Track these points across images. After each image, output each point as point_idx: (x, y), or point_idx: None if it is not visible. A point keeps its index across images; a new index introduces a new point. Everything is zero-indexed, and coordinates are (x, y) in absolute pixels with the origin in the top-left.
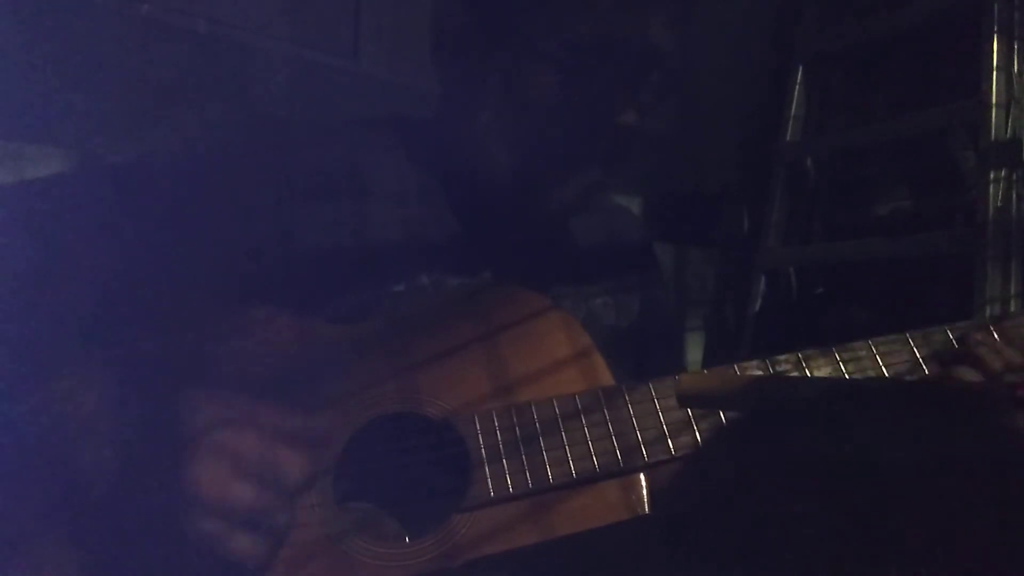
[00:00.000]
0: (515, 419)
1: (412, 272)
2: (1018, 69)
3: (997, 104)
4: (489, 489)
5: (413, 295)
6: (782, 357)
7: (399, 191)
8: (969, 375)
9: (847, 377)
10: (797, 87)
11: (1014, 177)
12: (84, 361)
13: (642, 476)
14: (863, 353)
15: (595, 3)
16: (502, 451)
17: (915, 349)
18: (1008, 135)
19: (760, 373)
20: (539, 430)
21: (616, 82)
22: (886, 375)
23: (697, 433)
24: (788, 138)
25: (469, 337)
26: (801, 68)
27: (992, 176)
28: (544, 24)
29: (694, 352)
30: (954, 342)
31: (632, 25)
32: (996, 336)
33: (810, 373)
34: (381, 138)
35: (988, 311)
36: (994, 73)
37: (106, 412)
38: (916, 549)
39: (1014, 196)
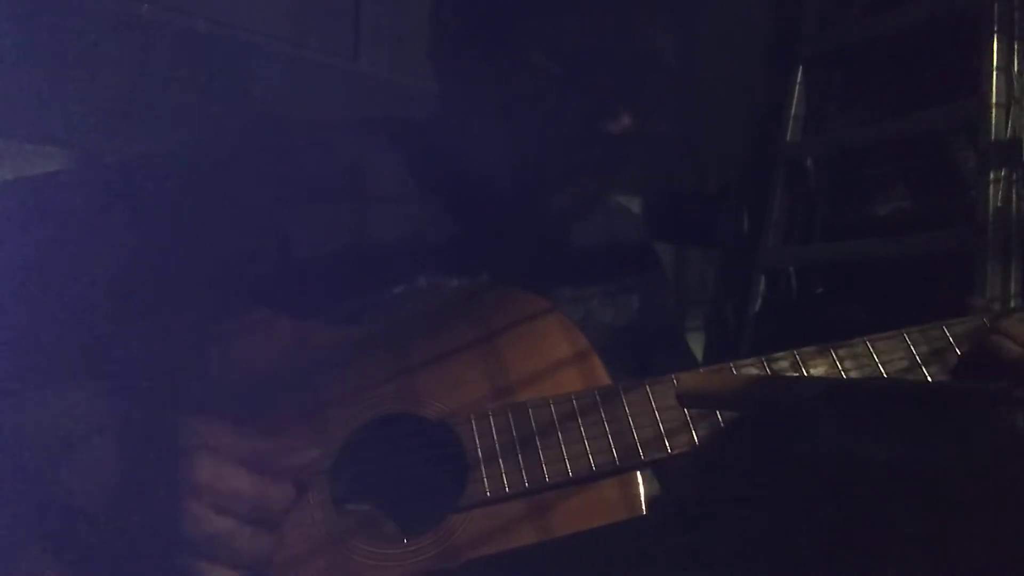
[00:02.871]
0: (512, 420)
1: (411, 273)
2: (1018, 69)
3: (997, 104)
4: (485, 489)
5: (411, 297)
6: (779, 355)
7: (398, 192)
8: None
9: (846, 377)
10: (797, 87)
11: (1014, 177)
12: (77, 367)
13: (639, 475)
14: (860, 350)
15: (588, 11)
16: (498, 451)
17: (911, 346)
18: (1008, 135)
19: (757, 372)
20: (536, 430)
21: (612, 89)
22: (883, 373)
23: (694, 433)
24: (788, 138)
25: (466, 339)
26: (801, 68)
27: (992, 176)
28: (536, 33)
29: (694, 352)
30: (952, 341)
31: (628, 32)
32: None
33: (807, 372)
34: (379, 139)
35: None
36: (994, 73)
37: (103, 419)
38: (915, 549)
39: (1014, 196)
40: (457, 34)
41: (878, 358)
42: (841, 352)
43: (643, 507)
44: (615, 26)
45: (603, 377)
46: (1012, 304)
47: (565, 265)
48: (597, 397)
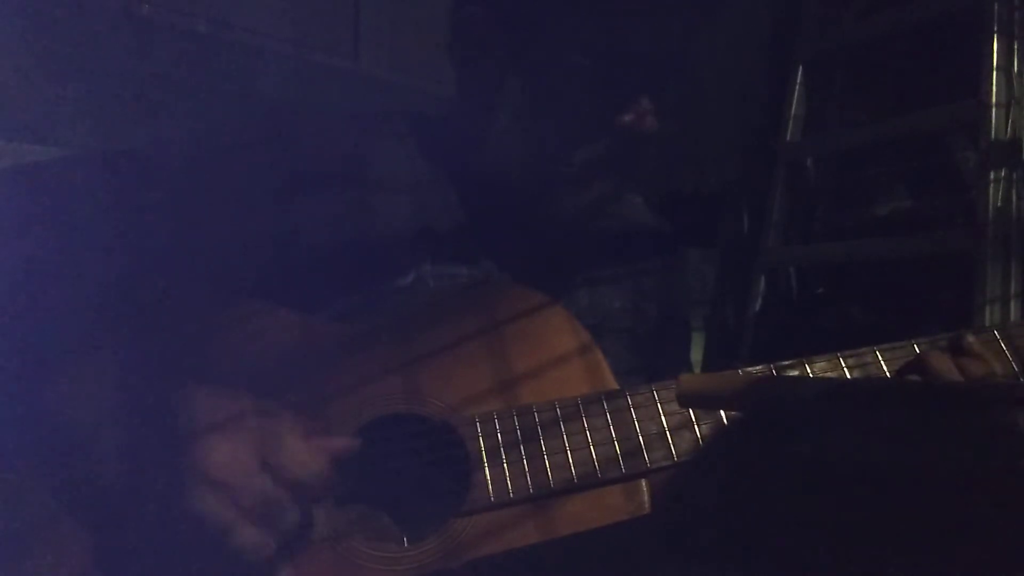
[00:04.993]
0: (516, 421)
1: (417, 262)
2: (1018, 69)
3: (997, 104)
4: (489, 493)
5: (416, 290)
6: (786, 363)
7: (407, 181)
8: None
9: (847, 377)
10: (797, 87)
11: (1014, 177)
12: (87, 353)
13: (643, 480)
14: (869, 359)
15: (617, 11)
16: (503, 453)
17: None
18: (1008, 135)
19: (760, 372)
20: (540, 432)
21: (636, 89)
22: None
23: (699, 435)
24: (788, 138)
25: (469, 335)
26: (801, 68)
27: (992, 176)
28: (567, 31)
29: (694, 352)
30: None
31: (652, 33)
32: (993, 344)
33: (812, 375)
34: (390, 128)
35: (988, 311)
36: (994, 73)
37: (113, 401)
38: (915, 549)
39: (1014, 196)
40: (483, 29)
41: (886, 368)
42: (850, 361)
43: (647, 508)
44: (643, 26)
45: (605, 372)
46: (1012, 305)
47: (577, 255)
48: (603, 399)
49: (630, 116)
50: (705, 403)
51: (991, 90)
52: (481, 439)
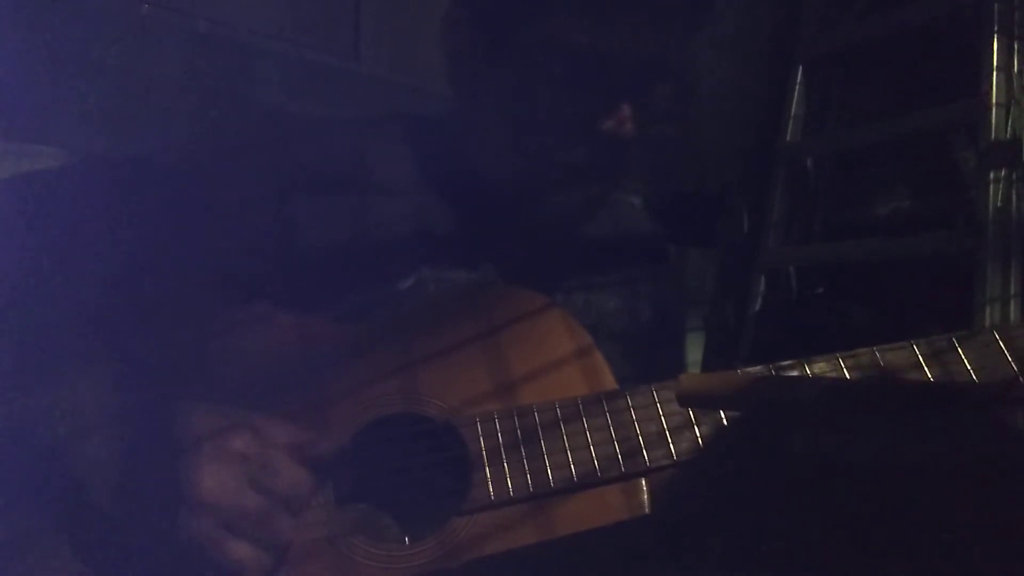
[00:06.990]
0: (516, 421)
1: (416, 267)
2: (1018, 69)
3: (997, 104)
4: (490, 492)
5: (415, 293)
6: (785, 363)
7: (405, 185)
8: None
9: (847, 377)
10: (797, 87)
11: (1014, 177)
12: (83, 360)
13: (643, 480)
14: (868, 360)
15: (595, 18)
16: (503, 454)
17: (920, 357)
18: (1008, 135)
19: (760, 372)
20: (541, 433)
21: (619, 94)
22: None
23: (699, 435)
24: (788, 138)
25: (468, 336)
26: (801, 68)
27: (992, 176)
28: (544, 38)
29: (694, 352)
30: (961, 354)
31: (635, 39)
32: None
33: (812, 375)
34: (388, 131)
35: (988, 311)
36: (994, 73)
37: (105, 412)
38: (916, 550)
39: (1014, 196)
40: (470, 37)
41: (886, 368)
42: (848, 362)
43: (646, 509)
44: (629, 31)
45: (605, 373)
46: (1012, 305)
47: (571, 258)
48: (603, 400)
49: (609, 122)
50: (704, 403)
51: (991, 90)
52: (482, 439)
